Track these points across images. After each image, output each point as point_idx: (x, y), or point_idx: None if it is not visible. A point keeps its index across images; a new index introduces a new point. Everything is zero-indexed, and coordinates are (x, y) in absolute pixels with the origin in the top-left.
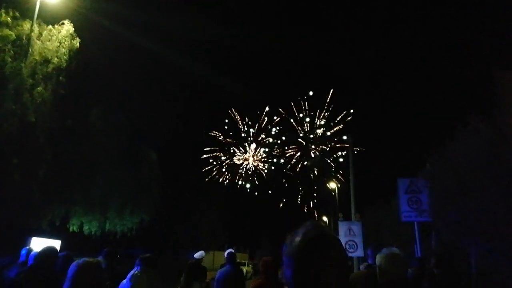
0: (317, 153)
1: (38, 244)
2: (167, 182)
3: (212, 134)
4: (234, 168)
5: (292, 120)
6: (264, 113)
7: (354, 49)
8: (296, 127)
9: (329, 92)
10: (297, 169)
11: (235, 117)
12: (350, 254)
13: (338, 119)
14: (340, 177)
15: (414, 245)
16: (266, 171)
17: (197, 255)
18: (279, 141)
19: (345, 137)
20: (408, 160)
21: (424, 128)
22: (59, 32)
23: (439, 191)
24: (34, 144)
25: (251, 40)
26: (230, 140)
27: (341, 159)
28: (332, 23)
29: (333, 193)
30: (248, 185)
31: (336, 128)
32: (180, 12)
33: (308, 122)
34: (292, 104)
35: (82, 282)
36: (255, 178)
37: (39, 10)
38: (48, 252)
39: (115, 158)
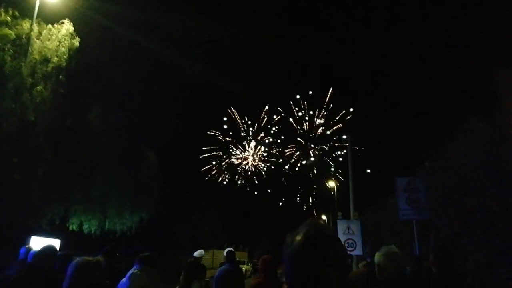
0: (316, 153)
1: (37, 243)
2: (167, 182)
3: (212, 133)
4: (233, 168)
5: (291, 119)
6: (264, 112)
7: (354, 49)
8: (296, 126)
9: (329, 92)
10: (296, 168)
11: (234, 116)
12: (349, 253)
13: (337, 118)
14: (339, 176)
15: (412, 243)
16: (265, 170)
17: (196, 253)
18: (278, 140)
19: (344, 137)
20: (408, 160)
21: (424, 128)
22: (58, 31)
23: (438, 190)
24: (34, 143)
25: (251, 40)
26: (230, 139)
27: (340, 158)
28: (332, 23)
29: (332, 192)
30: (247, 184)
31: (336, 127)
32: (180, 12)
33: (308, 121)
34: (292, 103)
35: (82, 280)
36: (255, 177)
37: (38, 9)
38: (47, 251)
39: (115, 157)
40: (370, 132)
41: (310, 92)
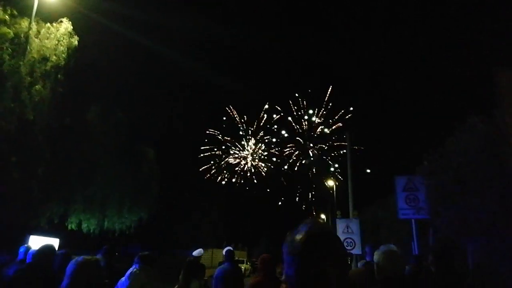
0: (316, 152)
1: (36, 242)
2: (167, 181)
3: (211, 132)
4: (232, 167)
5: (290, 119)
6: (263, 112)
7: (354, 49)
8: (295, 126)
9: (328, 90)
10: (296, 168)
11: (233, 115)
12: (349, 251)
13: (336, 117)
14: (338, 175)
15: (411, 243)
16: (265, 169)
17: (195, 252)
18: (278, 139)
19: (344, 136)
20: (407, 160)
21: (424, 128)
22: (57, 30)
23: (438, 190)
24: (33, 142)
25: (251, 40)
26: (229, 138)
27: (339, 158)
28: (332, 23)
29: (331, 191)
30: (246, 184)
31: (335, 126)
32: (180, 12)
33: (307, 120)
34: (291, 103)
35: (81, 280)
36: (254, 177)
37: (37, 8)
38: (46, 250)
39: (114, 156)
40: (369, 131)
41: (310, 91)
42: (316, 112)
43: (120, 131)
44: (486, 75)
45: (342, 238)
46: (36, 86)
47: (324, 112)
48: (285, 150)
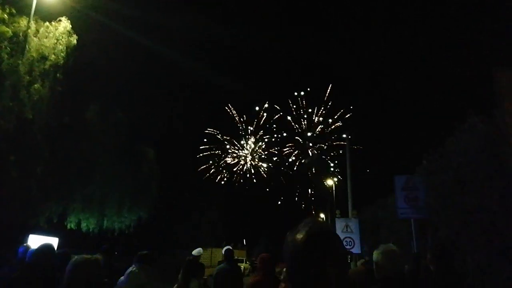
0: (315, 151)
1: (35, 241)
2: (166, 181)
3: (210, 131)
4: (232, 167)
5: (290, 118)
6: (263, 111)
7: (354, 49)
8: (294, 125)
9: (328, 89)
10: (295, 167)
11: (232, 114)
12: (349, 250)
13: (336, 117)
14: (337, 174)
15: (410, 242)
16: (265, 169)
17: (195, 252)
18: (278, 139)
19: (343, 135)
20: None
21: (424, 128)
22: (56, 29)
23: (437, 190)
24: (32, 141)
25: (251, 40)
26: (228, 138)
27: (339, 157)
28: (332, 23)
29: (330, 191)
30: (246, 183)
31: (334, 126)
32: (180, 12)
33: (306, 119)
34: (290, 102)
35: (80, 279)
36: (253, 176)
37: (36, 6)
38: (45, 249)
39: (114, 155)
40: (369, 131)
41: (309, 89)
42: (315, 111)
43: (119, 130)
44: (486, 75)
45: (341, 237)
46: (35, 85)
47: (324, 112)
48: (284, 150)
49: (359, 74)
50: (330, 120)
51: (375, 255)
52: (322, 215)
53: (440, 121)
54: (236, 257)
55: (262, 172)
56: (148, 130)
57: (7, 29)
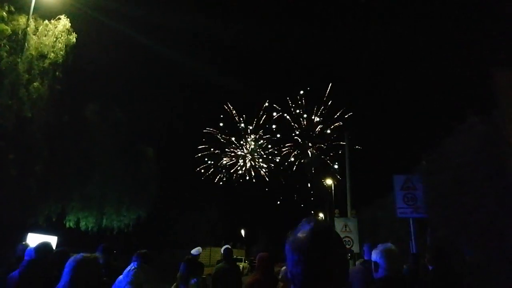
0: (314, 151)
1: (34, 240)
2: (166, 180)
3: (209, 131)
4: (231, 166)
5: (289, 118)
6: (262, 110)
7: (353, 49)
8: (294, 125)
9: (328, 89)
10: (294, 167)
11: (232, 113)
12: (349, 248)
13: (335, 116)
14: (336, 174)
15: (409, 242)
16: (264, 168)
17: (194, 251)
18: (277, 138)
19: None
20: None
21: (423, 128)
22: (55, 27)
23: (436, 189)
24: (31, 140)
25: (251, 40)
26: (228, 137)
27: (338, 157)
28: (332, 23)
29: (329, 190)
30: (245, 183)
31: (334, 125)
32: (180, 12)
33: (306, 119)
34: (290, 102)
35: (79, 277)
36: (252, 175)
37: (35, 4)
38: (43, 247)
39: (113, 154)
40: (368, 131)
41: (308, 89)
42: (315, 111)
43: (119, 129)
44: (485, 75)
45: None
46: (34, 84)
47: (323, 112)
48: (283, 149)
49: (359, 74)
50: (330, 121)
51: (374, 254)
52: (321, 215)
53: (439, 121)
54: (235, 256)
55: (261, 172)
56: (147, 129)
57: (6, 27)
